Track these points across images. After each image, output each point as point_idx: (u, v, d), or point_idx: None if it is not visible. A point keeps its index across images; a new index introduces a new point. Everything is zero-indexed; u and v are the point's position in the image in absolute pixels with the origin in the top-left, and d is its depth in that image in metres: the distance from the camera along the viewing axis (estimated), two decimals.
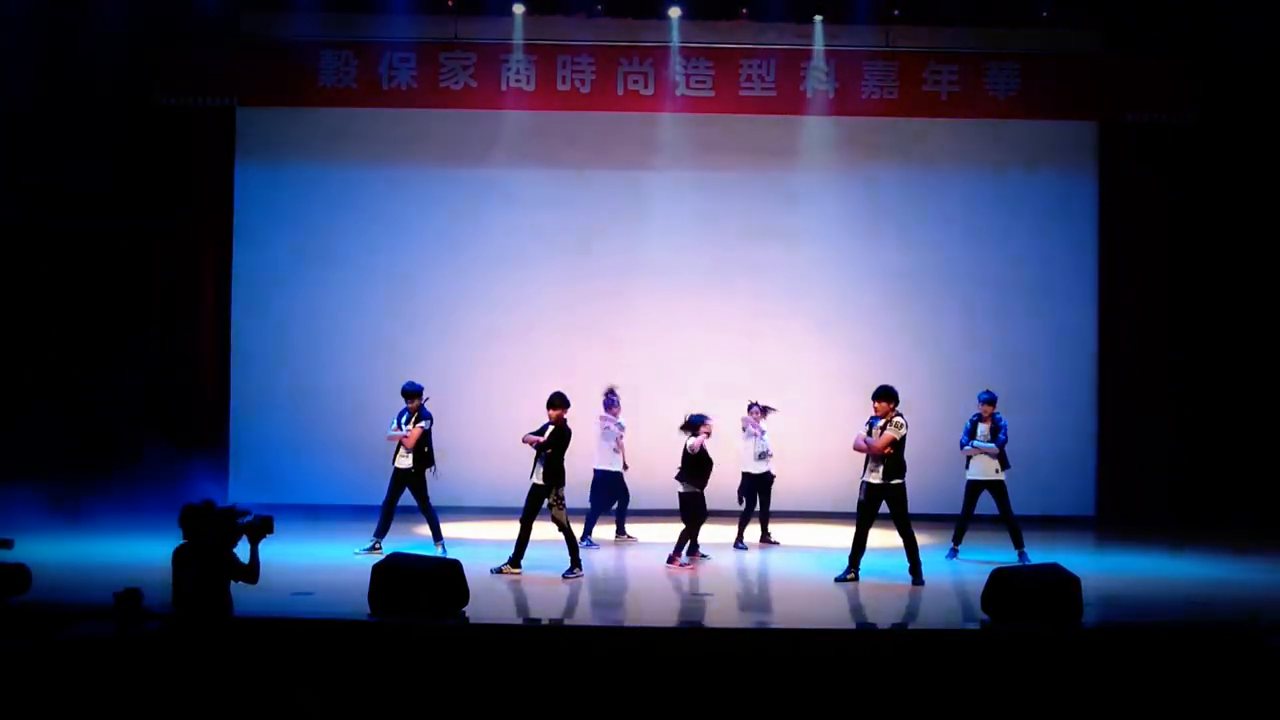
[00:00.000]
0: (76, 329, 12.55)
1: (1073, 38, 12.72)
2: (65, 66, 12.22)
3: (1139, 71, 12.47)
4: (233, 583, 6.03)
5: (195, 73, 12.42)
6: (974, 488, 9.99)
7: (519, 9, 12.47)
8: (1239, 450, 12.53)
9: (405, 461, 9.76)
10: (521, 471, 9.21)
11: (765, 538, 10.77)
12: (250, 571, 6.01)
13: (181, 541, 5.99)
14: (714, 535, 10.27)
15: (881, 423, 8.85)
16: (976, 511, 10.06)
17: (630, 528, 10.92)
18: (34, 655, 6.06)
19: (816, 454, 11.74)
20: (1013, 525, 9.85)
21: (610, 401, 10.62)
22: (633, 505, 10.92)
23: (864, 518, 8.90)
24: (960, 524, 10.04)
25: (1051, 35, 12.57)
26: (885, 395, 8.93)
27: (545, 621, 7.92)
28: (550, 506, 8.92)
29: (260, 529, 6.08)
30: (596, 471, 10.51)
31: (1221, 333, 12.75)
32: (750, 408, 10.67)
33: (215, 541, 5.94)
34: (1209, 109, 12.36)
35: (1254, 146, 12.59)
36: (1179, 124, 12.48)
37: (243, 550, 6.06)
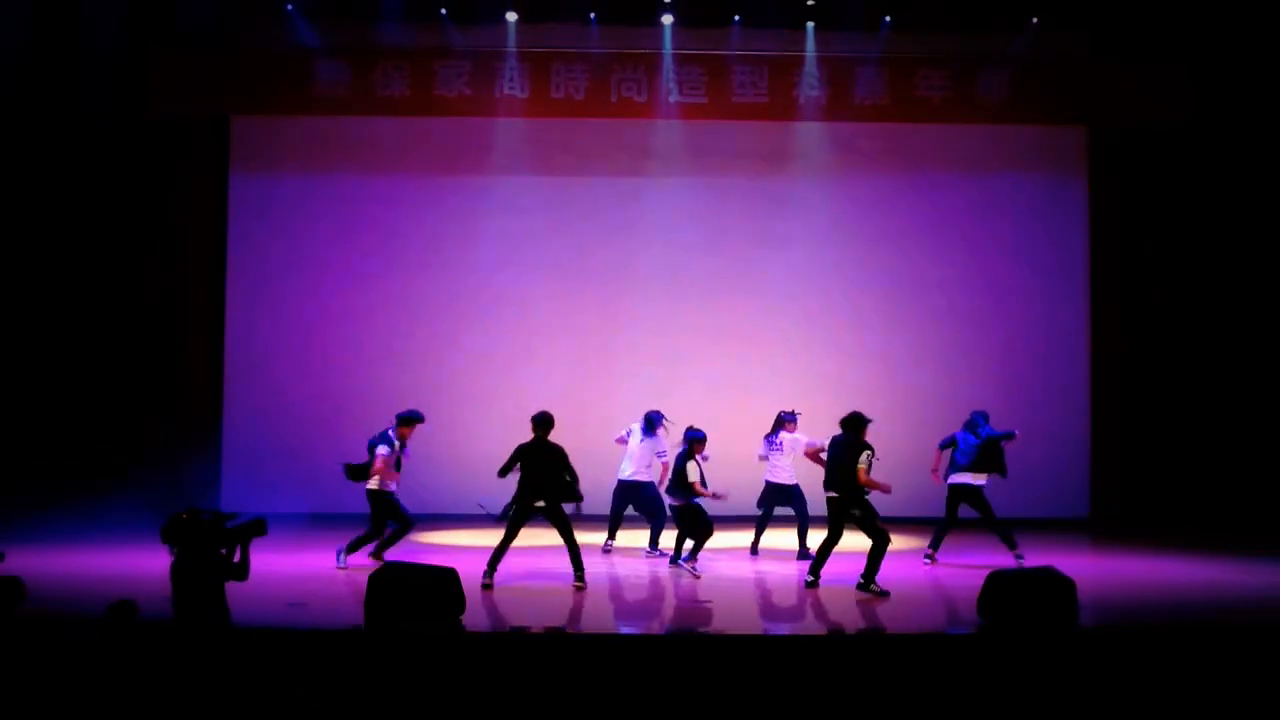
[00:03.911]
0: (69, 338, 12.54)
1: (1062, 42, 12.79)
2: (59, 77, 12.22)
3: (1127, 76, 12.54)
4: (227, 586, 6.02)
5: (189, 82, 12.44)
6: (954, 493, 9.99)
7: (512, 17, 12.51)
8: (1232, 451, 12.58)
9: (373, 483, 9.73)
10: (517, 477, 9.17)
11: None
12: (239, 569, 6.00)
13: (176, 554, 5.98)
14: (722, 541, 10.28)
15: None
16: (963, 516, 10.05)
17: (624, 535, 10.88)
18: (29, 667, 6.04)
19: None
20: (1001, 529, 9.85)
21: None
22: (626, 513, 10.86)
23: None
24: (941, 529, 10.03)
25: (1041, 40, 12.62)
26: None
27: (542, 629, 7.91)
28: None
29: (251, 530, 6.07)
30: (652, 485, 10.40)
31: (1213, 334, 12.81)
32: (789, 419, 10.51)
33: (203, 548, 5.92)
34: (1198, 112, 12.42)
35: (1242, 149, 12.66)
36: (1168, 127, 12.54)
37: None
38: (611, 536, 10.63)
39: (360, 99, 12.50)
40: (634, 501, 10.44)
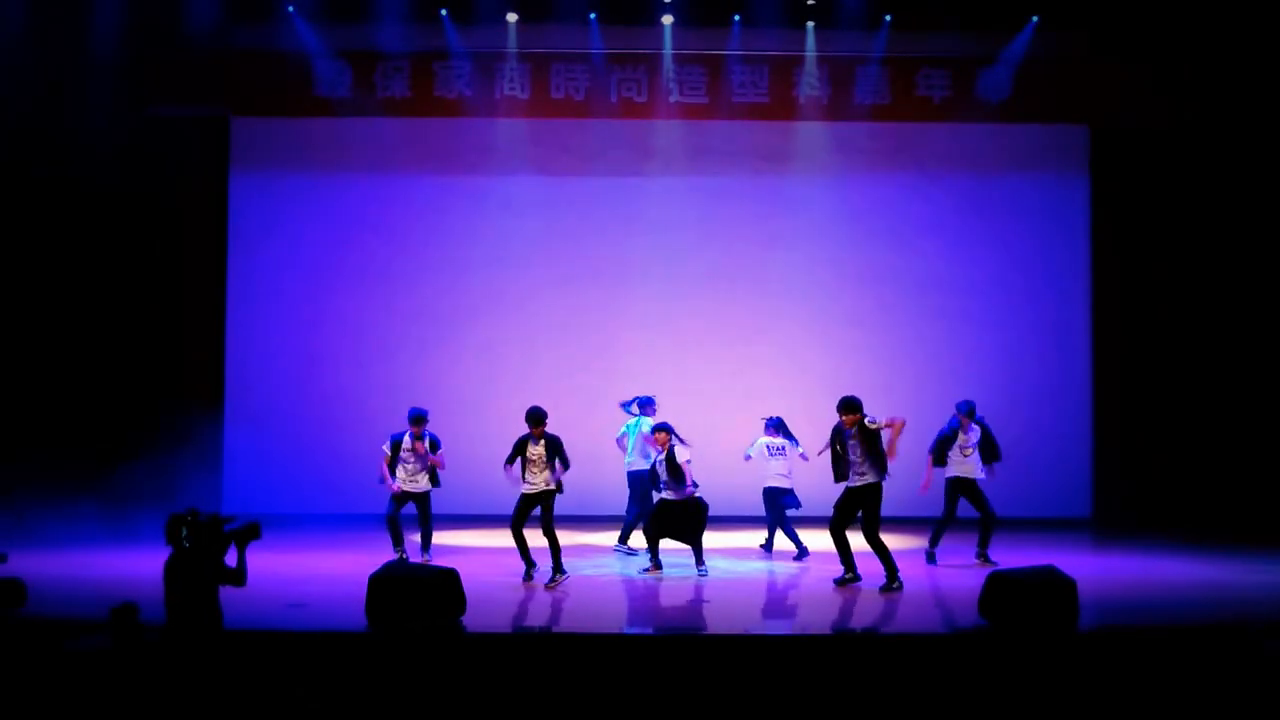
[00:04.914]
0: (69, 339, 12.54)
1: (1062, 42, 12.77)
2: (60, 79, 12.23)
3: (1128, 76, 12.53)
4: (223, 590, 6.01)
5: (189, 83, 12.46)
6: (954, 486, 9.97)
7: (512, 17, 12.50)
8: (1235, 451, 12.56)
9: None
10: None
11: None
12: (237, 575, 5.99)
13: (170, 553, 5.97)
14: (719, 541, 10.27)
15: (857, 431, 8.76)
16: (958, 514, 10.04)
17: (605, 535, 10.88)
18: (31, 670, 6.04)
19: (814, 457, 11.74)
20: (986, 525, 9.85)
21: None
22: (614, 512, 10.87)
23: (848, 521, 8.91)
24: (941, 525, 10.01)
25: (1041, 40, 12.62)
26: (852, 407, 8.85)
27: (542, 630, 7.91)
28: (546, 512, 9.01)
29: (247, 534, 6.05)
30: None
31: (1215, 333, 12.79)
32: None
33: (202, 548, 5.91)
34: (1199, 112, 12.41)
35: (1244, 148, 12.64)
36: (1169, 126, 12.54)
37: (231, 557, 6.04)
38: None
39: (360, 100, 12.53)
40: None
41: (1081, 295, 13.10)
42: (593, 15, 12.52)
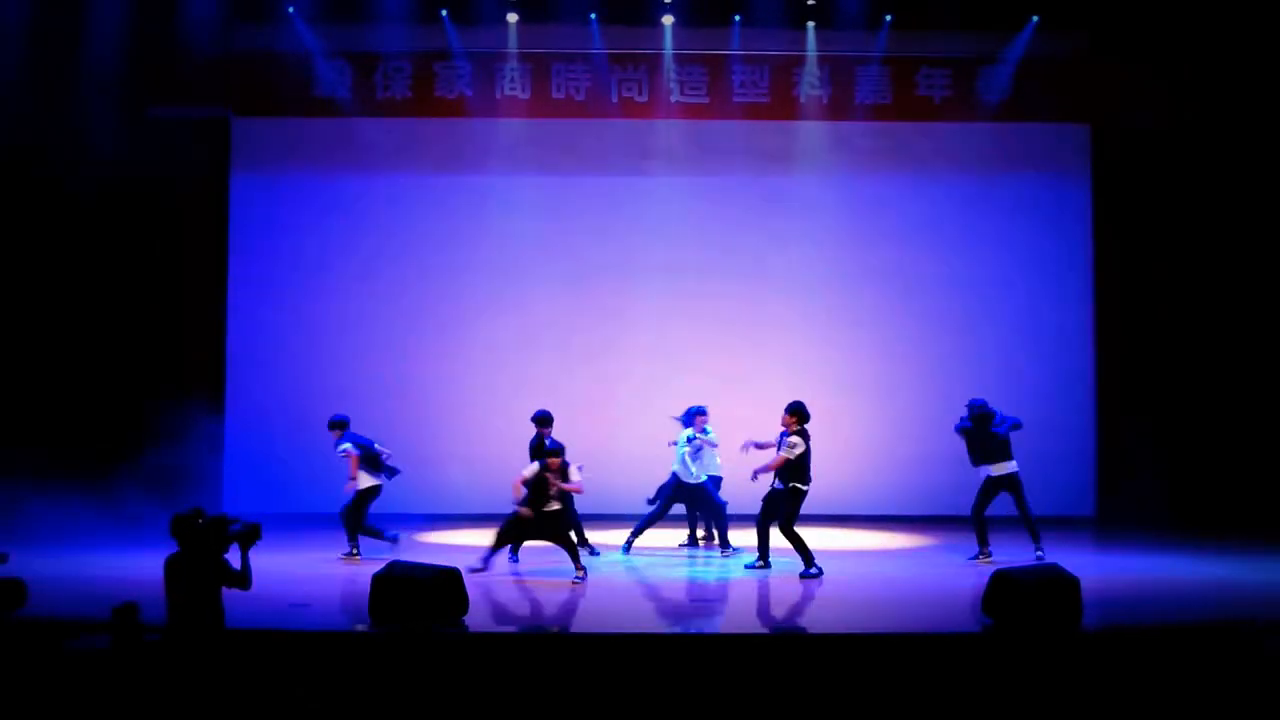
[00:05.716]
0: (70, 341, 12.54)
1: (1062, 42, 12.78)
2: (61, 79, 12.23)
3: (1128, 75, 12.55)
4: (226, 591, 6.00)
5: (190, 84, 12.47)
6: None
7: (513, 18, 12.51)
8: (1238, 449, 12.56)
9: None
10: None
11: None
12: (242, 578, 5.98)
13: (174, 550, 5.96)
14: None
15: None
16: (957, 512, 10.03)
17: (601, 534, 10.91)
18: (31, 670, 6.03)
19: (814, 457, 11.71)
20: (980, 524, 9.82)
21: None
22: (620, 510, 10.90)
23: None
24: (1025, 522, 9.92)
25: (1042, 40, 12.62)
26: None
27: (545, 629, 7.90)
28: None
29: (249, 536, 6.04)
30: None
31: (1218, 332, 12.79)
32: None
33: (206, 549, 5.90)
34: (1199, 111, 12.42)
35: (1243, 148, 12.64)
36: (1171, 126, 12.54)
37: (233, 558, 6.03)
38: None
39: (361, 100, 12.55)
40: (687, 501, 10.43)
41: (1084, 294, 13.10)
42: (593, 15, 12.53)
